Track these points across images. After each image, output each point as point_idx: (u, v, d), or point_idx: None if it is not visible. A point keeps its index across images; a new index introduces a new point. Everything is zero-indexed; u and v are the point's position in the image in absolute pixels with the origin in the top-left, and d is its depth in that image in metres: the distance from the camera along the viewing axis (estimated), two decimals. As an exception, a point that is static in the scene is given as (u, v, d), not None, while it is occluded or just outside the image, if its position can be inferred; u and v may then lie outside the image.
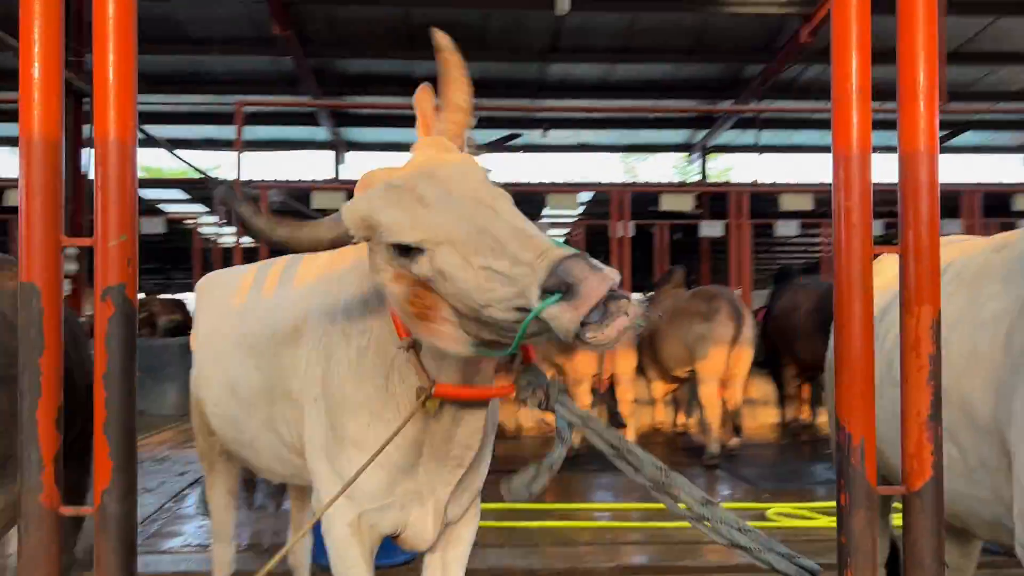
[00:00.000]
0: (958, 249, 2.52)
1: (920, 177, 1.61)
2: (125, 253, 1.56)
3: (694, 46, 12.50)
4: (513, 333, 1.58)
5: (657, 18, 11.51)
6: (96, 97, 1.57)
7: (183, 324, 13.40)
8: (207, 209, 13.48)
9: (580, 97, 13.76)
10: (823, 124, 14.59)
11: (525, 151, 15.66)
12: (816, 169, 15.73)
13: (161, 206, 13.71)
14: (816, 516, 6.04)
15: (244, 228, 1.70)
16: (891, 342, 2.43)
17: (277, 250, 1.87)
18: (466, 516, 2.44)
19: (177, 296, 17.42)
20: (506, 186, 1.71)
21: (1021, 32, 11.68)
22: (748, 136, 15.01)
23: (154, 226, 11.68)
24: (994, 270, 2.12)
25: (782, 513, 6.32)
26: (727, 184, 13.94)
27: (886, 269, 2.83)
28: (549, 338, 1.53)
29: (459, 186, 1.66)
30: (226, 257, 12.11)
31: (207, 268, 10.32)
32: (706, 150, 16.16)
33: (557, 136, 15.11)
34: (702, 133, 15.68)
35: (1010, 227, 10.46)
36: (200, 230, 14.00)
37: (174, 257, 16.59)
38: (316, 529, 3.63)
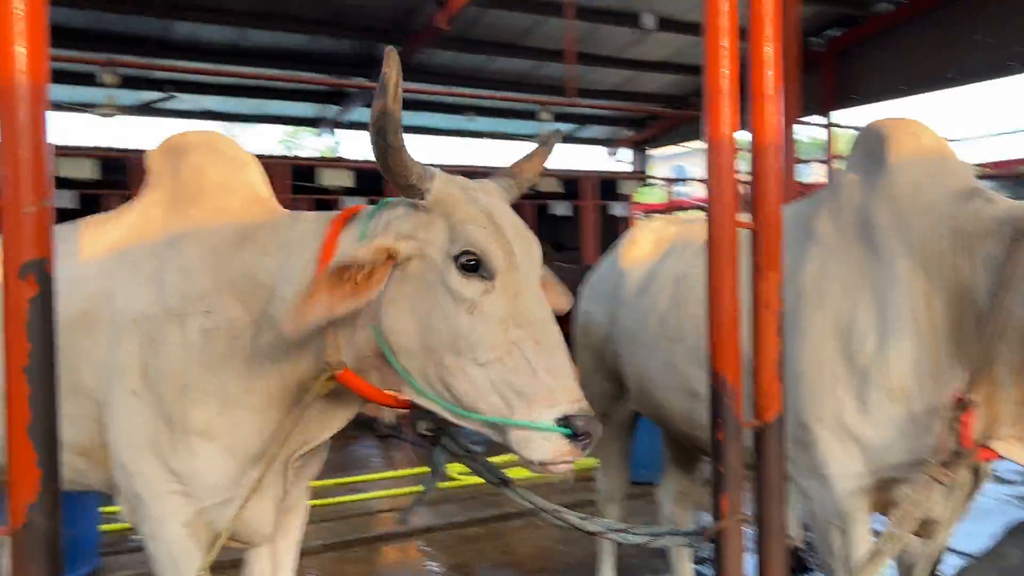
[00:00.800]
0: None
1: (769, 167, 1.96)
2: (44, 222, 1.31)
3: (330, 19, 12.48)
4: (429, 400, 1.75)
5: (295, -14, 11.30)
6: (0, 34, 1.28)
7: None
8: None
9: (208, 61, 12.97)
10: (452, 108, 15.49)
11: (147, 115, 14.34)
12: (444, 151, 16.60)
13: None
14: (495, 471, 6.61)
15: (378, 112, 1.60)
16: (664, 304, 2.85)
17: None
18: (298, 505, 2.36)
19: None
20: None
21: (610, 37, 13.51)
22: (380, 114, 15.38)
23: None
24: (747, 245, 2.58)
25: (463, 472, 6.80)
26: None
27: (641, 243, 3.28)
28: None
29: (533, 265, 1.75)
30: None
31: None
32: (337, 125, 16.21)
33: (183, 101, 14.10)
34: (334, 108, 15.70)
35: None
36: None
37: None
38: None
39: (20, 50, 1.29)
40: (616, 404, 3.35)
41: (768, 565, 1.92)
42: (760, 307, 1.97)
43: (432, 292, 1.69)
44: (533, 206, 13.06)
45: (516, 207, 1.82)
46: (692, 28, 13.18)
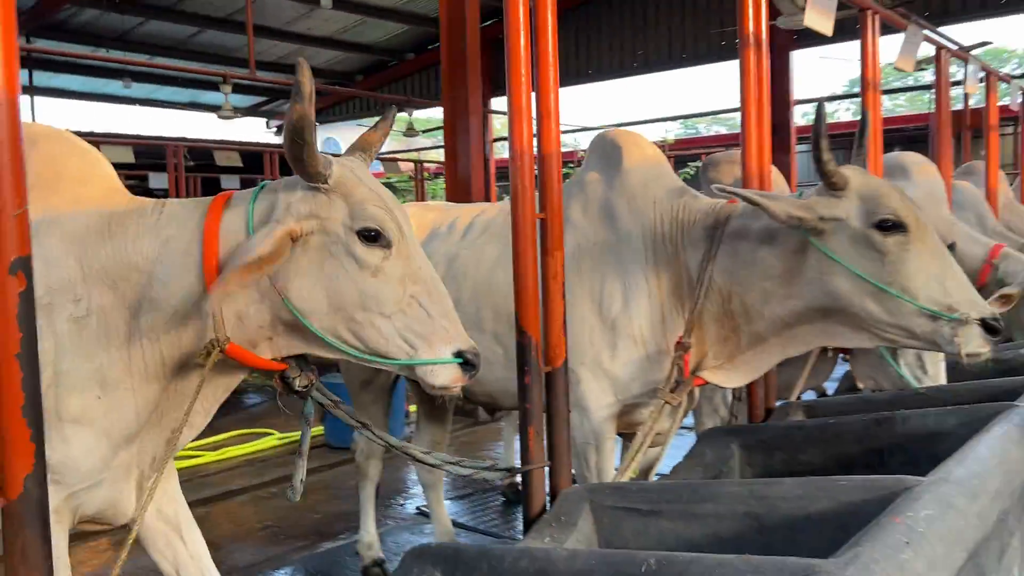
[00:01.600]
0: (475, 209, 3.54)
1: (552, 170, 2.50)
2: (26, 223, 1.44)
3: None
4: (330, 350, 2.04)
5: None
6: (-26, 47, 1.39)
7: None
8: None
9: None
10: (102, 71, 14.29)
11: None
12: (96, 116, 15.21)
13: None
14: (201, 454, 6.59)
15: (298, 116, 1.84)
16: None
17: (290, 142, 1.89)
18: (171, 472, 2.42)
19: None
20: None
21: (276, 9, 13.41)
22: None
23: None
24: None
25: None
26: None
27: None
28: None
29: (412, 230, 2.05)
30: None
31: None
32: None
33: None
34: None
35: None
36: None
37: None
38: None
39: (-1, 67, 1.40)
40: (379, 371, 3.75)
41: (556, 472, 2.49)
42: (549, 279, 2.52)
43: (337, 260, 1.97)
44: (202, 179, 12.64)
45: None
46: (362, 8, 13.59)
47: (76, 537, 2.39)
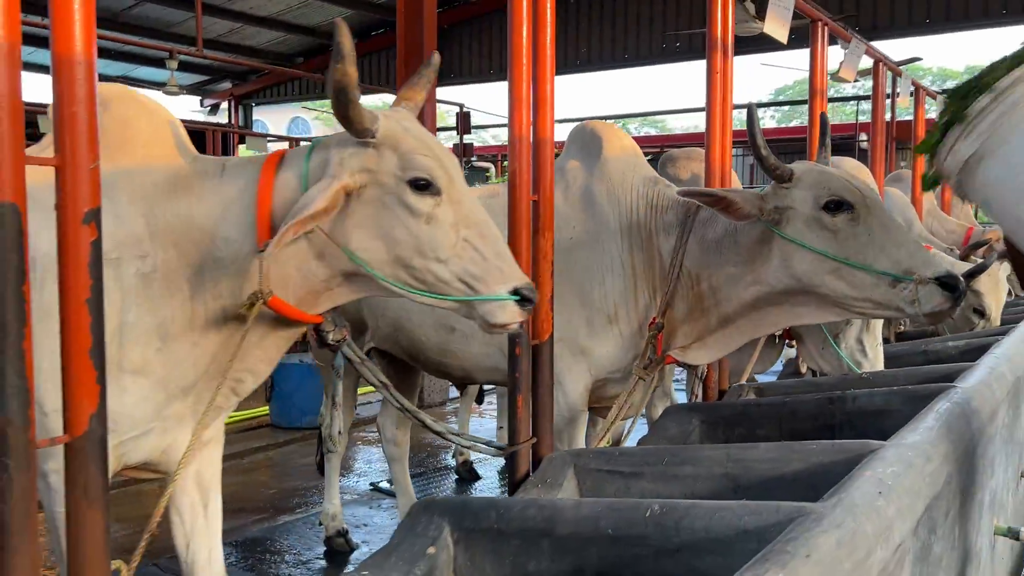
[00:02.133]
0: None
1: (546, 156, 2.65)
2: (98, 176, 1.53)
3: None
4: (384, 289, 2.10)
5: None
6: (56, 9, 1.47)
7: None
8: None
9: None
10: (25, 39, 13.80)
11: None
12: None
13: None
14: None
15: (340, 75, 1.89)
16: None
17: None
18: (218, 437, 2.50)
19: None
20: None
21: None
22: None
23: None
24: (494, 210, 3.28)
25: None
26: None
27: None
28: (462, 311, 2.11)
29: (461, 176, 2.12)
30: None
31: None
32: None
33: None
34: None
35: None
36: None
37: None
38: None
39: (78, 29, 1.48)
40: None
41: (540, 439, 2.65)
42: (539, 258, 2.68)
43: (391, 211, 2.03)
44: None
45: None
46: (306, -10, 13.46)
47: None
